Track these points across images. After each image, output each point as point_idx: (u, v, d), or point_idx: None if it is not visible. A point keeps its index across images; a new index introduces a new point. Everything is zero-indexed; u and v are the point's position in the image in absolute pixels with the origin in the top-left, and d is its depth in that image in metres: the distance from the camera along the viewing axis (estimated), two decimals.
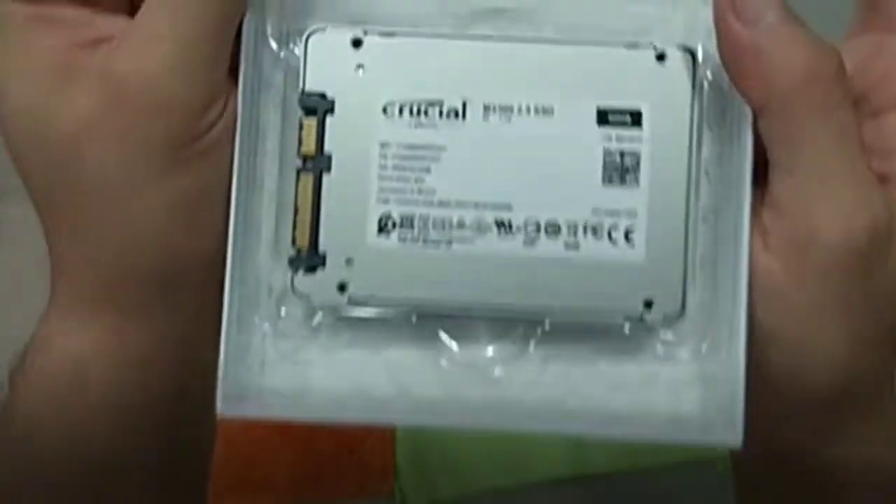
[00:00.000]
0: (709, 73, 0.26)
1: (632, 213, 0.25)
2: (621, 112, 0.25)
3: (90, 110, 0.23)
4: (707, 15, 0.25)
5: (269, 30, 0.26)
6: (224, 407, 0.25)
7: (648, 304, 0.25)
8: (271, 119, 0.26)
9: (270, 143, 0.26)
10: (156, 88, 0.22)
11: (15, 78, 0.23)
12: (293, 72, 0.26)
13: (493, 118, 0.25)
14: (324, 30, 0.26)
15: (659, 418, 0.25)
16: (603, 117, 0.25)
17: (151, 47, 0.22)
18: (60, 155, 0.23)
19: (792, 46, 0.22)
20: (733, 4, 0.23)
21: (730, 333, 0.25)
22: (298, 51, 0.26)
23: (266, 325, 0.26)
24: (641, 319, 0.25)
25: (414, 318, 0.26)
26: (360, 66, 0.25)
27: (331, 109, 0.25)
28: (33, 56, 0.23)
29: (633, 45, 0.25)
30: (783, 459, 0.27)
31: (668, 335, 0.26)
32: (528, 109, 0.25)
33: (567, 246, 0.25)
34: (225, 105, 0.24)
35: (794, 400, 0.24)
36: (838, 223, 0.22)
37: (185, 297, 0.25)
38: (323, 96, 0.25)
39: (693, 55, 0.25)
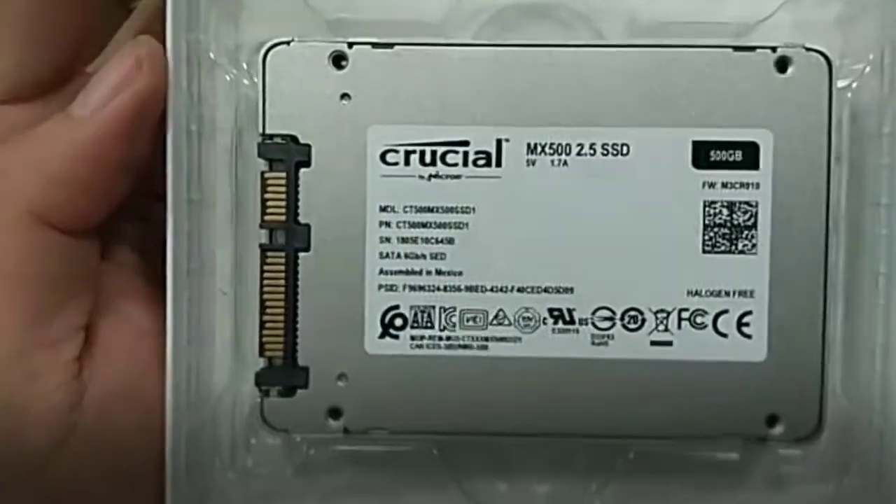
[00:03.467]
0: (851, 84, 0.18)
1: (747, 293, 0.18)
2: (728, 146, 0.18)
3: None
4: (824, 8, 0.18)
5: (210, 45, 0.18)
6: None
7: (772, 421, 0.18)
8: (219, 174, 0.18)
9: (220, 210, 0.18)
10: None
11: None
12: (249, 104, 0.18)
13: (542, 163, 0.18)
14: (289, 42, 0.18)
15: None
16: (702, 155, 0.18)
17: None
18: None
19: None
20: None
21: (880, 445, 0.19)
22: (255, 74, 0.18)
23: (230, 471, 0.18)
24: (764, 440, 0.18)
25: (435, 451, 0.19)
26: (345, 94, 0.18)
27: (306, 160, 0.18)
28: None
29: (742, 48, 0.17)
30: None
31: (793, 456, 0.19)
32: (592, 148, 0.18)
33: (655, 342, 0.18)
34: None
35: None
36: None
37: None
38: (294, 140, 0.18)
39: (828, 60, 0.18)
